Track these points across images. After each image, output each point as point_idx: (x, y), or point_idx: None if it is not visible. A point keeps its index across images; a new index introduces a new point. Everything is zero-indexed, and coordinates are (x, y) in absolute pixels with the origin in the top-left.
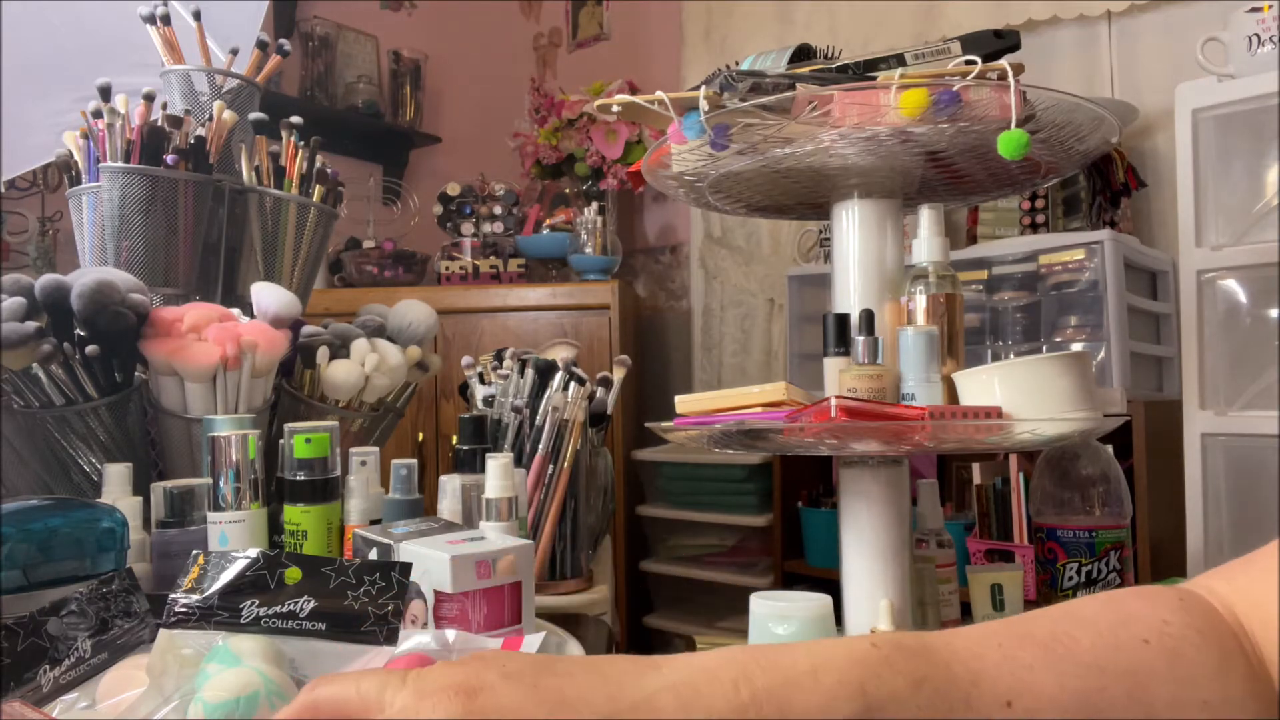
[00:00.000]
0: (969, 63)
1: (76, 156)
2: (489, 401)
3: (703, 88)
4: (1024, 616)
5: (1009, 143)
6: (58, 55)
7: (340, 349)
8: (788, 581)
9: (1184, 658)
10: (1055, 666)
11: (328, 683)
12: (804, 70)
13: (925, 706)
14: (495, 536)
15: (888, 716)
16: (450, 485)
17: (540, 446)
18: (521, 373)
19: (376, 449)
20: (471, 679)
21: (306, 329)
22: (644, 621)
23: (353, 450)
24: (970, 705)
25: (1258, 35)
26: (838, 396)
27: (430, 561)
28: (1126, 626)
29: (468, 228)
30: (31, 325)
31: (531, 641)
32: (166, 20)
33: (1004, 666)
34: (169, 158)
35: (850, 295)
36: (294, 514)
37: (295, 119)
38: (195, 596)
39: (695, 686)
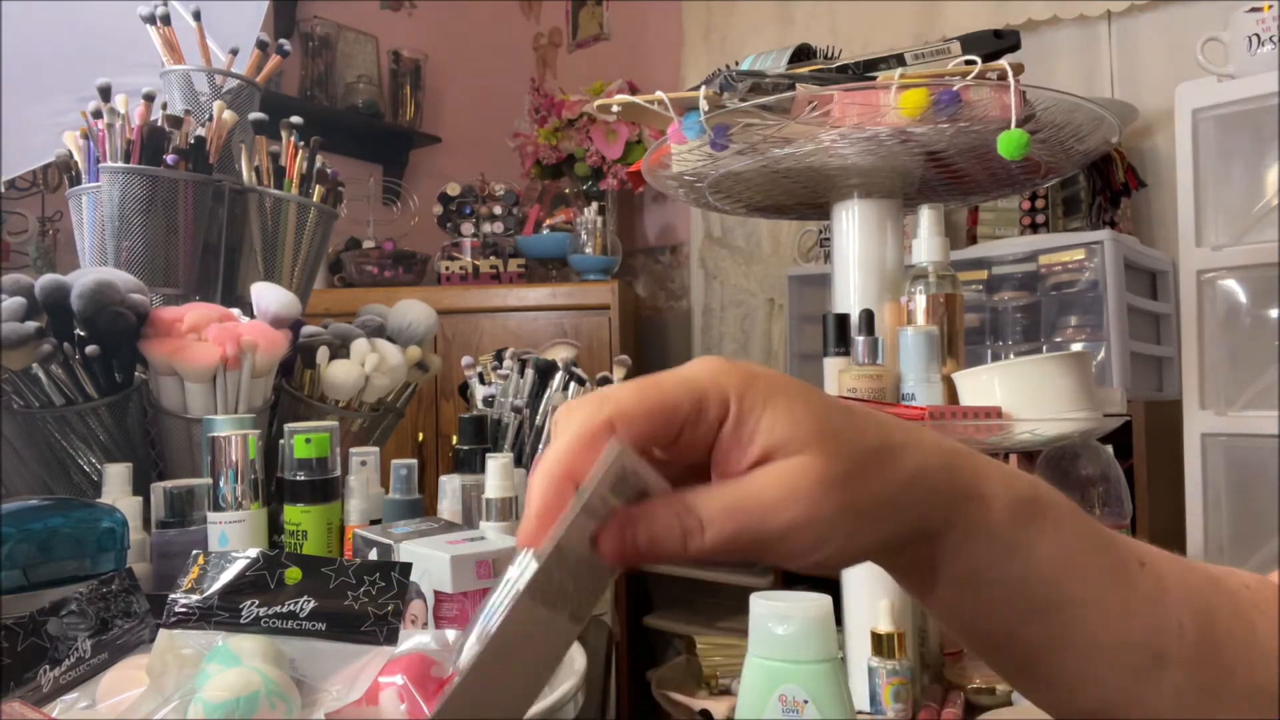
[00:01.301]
0: (969, 63)
1: (76, 156)
2: (489, 401)
3: (703, 88)
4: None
5: (1009, 143)
6: (58, 55)
7: (340, 349)
8: (788, 581)
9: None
10: (1181, 565)
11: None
12: (804, 70)
13: (1084, 528)
14: (495, 536)
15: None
16: (450, 485)
17: (540, 446)
18: (521, 373)
19: (376, 449)
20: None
21: (306, 329)
22: (644, 621)
23: (353, 450)
24: (1113, 547)
25: (1258, 35)
26: (838, 396)
27: (430, 561)
28: (1233, 572)
29: (468, 228)
30: (31, 325)
31: None
32: (166, 20)
33: (1142, 548)
34: (169, 158)
35: (850, 295)
36: (294, 514)
37: (295, 119)
38: (195, 596)
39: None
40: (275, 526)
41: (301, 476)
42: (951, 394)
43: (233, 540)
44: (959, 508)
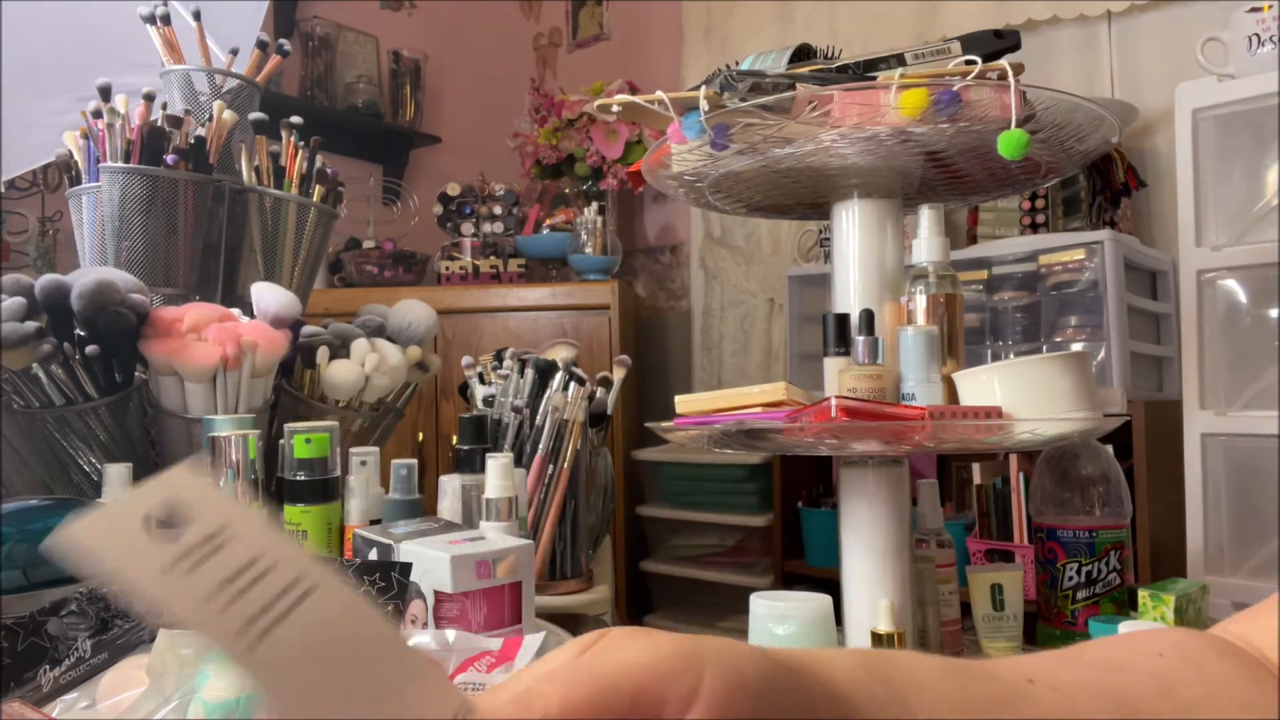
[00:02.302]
0: (969, 63)
1: (76, 156)
2: (489, 401)
3: (703, 88)
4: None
5: (1009, 143)
6: (58, 55)
7: (340, 349)
8: (788, 581)
9: (1207, 667)
10: (1076, 664)
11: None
12: (804, 70)
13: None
14: (495, 536)
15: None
16: (450, 485)
17: (540, 446)
18: (521, 373)
19: (376, 449)
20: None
21: (306, 329)
22: (644, 622)
23: (353, 450)
24: (995, 678)
25: (1258, 35)
26: (838, 396)
27: (430, 561)
28: (1139, 642)
29: (468, 228)
30: (31, 325)
31: (531, 642)
32: (166, 20)
33: (1023, 663)
34: (169, 158)
35: (850, 295)
36: (294, 514)
37: (295, 119)
38: None
39: None
40: None
41: (301, 476)
42: (951, 394)
43: None
44: None
